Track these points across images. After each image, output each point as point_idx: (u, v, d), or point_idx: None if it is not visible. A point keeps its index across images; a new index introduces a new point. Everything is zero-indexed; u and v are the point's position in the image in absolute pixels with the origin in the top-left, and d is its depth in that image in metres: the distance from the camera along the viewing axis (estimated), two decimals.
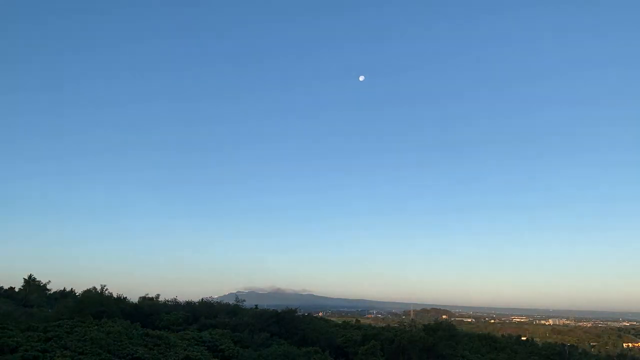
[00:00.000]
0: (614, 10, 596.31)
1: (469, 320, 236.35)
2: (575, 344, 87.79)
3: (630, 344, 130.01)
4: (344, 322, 79.13)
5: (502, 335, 74.68)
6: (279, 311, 62.64)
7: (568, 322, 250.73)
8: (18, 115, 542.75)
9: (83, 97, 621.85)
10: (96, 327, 33.33)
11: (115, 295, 52.86)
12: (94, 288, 58.29)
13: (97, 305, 45.41)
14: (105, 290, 55.28)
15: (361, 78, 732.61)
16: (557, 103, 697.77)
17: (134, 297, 60.24)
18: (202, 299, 59.46)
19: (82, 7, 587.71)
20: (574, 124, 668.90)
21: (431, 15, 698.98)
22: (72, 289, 75.93)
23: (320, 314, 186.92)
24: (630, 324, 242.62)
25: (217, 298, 68.42)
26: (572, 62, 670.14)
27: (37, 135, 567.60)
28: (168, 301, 60.89)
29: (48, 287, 73.38)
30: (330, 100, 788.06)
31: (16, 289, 70.95)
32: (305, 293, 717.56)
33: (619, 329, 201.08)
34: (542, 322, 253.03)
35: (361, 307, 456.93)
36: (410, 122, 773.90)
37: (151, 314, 49.84)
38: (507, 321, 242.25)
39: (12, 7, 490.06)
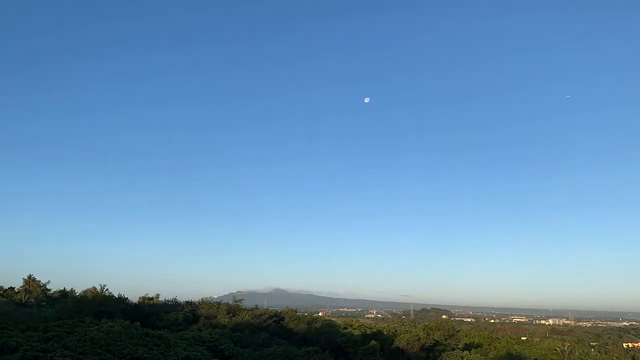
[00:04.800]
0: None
1: (469, 320, 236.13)
2: (575, 344, 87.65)
3: (630, 344, 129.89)
4: (344, 322, 79.07)
5: (497, 339, 74.47)
6: (279, 311, 62.67)
7: (568, 322, 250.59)
8: (19, 115, 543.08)
9: (88, 100, 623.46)
10: (96, 327, 33.29)
11: (115, 295, 52.79)
12: (94, 288, 58.33)
13: (97, 305, 45.35)
14: (105, 290, 55.27)
15: (366, 100, 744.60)
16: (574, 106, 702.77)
17: (134, 297, 60.19)
18: (202, 299, 59.44)
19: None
20: (577, 127, 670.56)
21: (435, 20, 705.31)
22: (72, 289, 75.91)
23: (320, 313, 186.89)
24: (630, 324, 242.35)
25: (217, 298, 68.27)
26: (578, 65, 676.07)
27: (37, 136, 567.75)
28: (168, 301, 60.80)
29: (48, 287, 73.36)
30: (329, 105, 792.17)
31: (16, 289, 70.92)
32: (305, 293, 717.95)
33: (619, 329, 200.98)
34: (542, 322, 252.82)
35: (361, 307, 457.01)
36: (411, 125, 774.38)
37: (151, 314, 49.78)
38: (507, 321, 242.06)
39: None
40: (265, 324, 52.36)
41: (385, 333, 57.58)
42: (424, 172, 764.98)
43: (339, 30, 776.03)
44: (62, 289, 77.25)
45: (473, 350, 59.95)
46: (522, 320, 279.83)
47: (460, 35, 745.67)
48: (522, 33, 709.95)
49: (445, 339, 60.37)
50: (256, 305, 67.22)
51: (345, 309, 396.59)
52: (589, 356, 67.99)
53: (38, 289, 69.92)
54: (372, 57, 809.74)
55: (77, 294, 64.61)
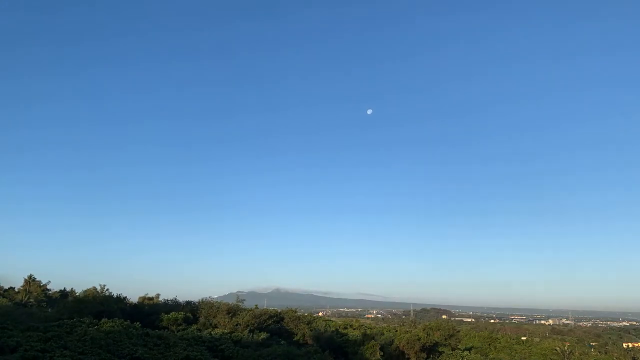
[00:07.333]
0: None
1: (469, 320, 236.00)
2: (575, 344, 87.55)
3: (630, 344, 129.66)
4: (344, 322, 79.01)
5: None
6: (279, 311, 62.66)
7: (568, 322, 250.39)
8: (21, 118, 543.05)
9: (91, 106, 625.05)
10: (96, 327, 33.26)
11: (115, 295, 52.75)
12: (94, 288, 58.23)
13: (97, 305, 45.33)
14: (105, 290, 55.20)
15: (369, 111, 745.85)
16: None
17: (134, 297, 60.17)
18: (202, 299, 59.40)
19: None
20: (576, 132, 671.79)
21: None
22: (72, 289, 75.74)
23: (320, 313, 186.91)
24: (630, 324, 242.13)
25: (217, 298, 68.30)
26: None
27: (38, 138, 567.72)
28: (168, 301, 60.72)
29: (48, 287, 73.21)
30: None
31: (16, 289, 70.77)
32: (305, 293, 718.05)
33: (619, 329, 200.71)
34: (542, 322, 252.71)
35: (361, 307, 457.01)
36: (414, 132, 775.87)
37: (151, 314, 49.75)
38: (507, 321, 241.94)
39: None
40: (265, 324, 52.34)
41: (385, 333, 57.58)
42: (424, 173, 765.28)
43: (342, 42, 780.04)
44: (62, 289, 77.07)
45: (473, 350, 59.95)
46: (522, 320, 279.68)
47: (462, 47, 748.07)
48: (523, 46, 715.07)
49: (445, 339, 60.35)
50: (256, 305, 67.19)
51: (345, 309, 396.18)
52: (589, 356, 67.82)
53: (38, 289, 69.74)
54: (377, 70, 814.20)
55: (77, 294, 64.51)
